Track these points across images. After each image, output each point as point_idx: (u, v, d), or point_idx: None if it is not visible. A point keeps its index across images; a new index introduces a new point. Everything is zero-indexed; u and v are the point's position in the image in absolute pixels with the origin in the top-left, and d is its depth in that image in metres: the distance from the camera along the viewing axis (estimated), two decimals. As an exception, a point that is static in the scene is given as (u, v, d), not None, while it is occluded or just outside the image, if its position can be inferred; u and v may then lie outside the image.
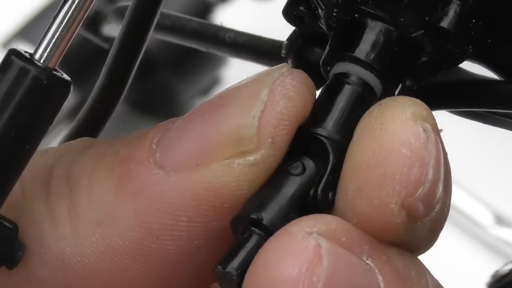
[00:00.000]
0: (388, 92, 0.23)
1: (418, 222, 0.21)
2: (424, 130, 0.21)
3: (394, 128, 0.21)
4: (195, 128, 0.22)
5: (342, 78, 0.23)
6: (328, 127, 0.23)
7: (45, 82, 0.21)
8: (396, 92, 0.24)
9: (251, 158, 0.22)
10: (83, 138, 0.26)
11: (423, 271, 0.22)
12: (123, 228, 0.23)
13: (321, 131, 0.22)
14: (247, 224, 0.22)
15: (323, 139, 0.22)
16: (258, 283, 0.20)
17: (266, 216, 0.21)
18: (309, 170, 0.22)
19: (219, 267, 0.21)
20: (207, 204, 0.22)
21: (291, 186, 0.22)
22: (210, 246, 0.23)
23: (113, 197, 0.23)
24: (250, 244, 0.21)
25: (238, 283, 0.21)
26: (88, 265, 0.23)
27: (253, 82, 0.23)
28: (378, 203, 0.21)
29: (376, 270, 0.21)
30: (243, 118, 0.22)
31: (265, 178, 0.22)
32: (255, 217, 0.21)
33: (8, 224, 0.22)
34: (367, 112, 0.22)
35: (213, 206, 0.22)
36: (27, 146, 0.22)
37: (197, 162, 0.22)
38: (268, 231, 0.21)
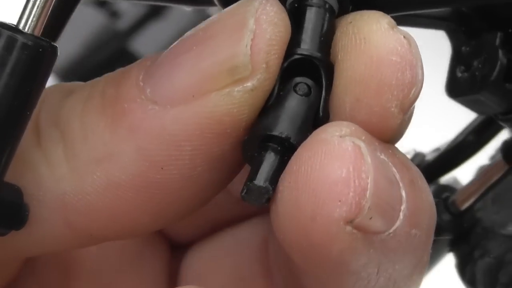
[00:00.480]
0: (343, 11, 0.25)
1: (406, 118, 0.24)
2: (404, 36, 0.23)
3: (378, 40, 0.23)
4: (186, 62, 0.23)
5: (304, 2, 0.24)
6: (311, 48, 0.24)
7: (34, 48, 0.22)
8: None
9: (248, 84, 0.23)
10: (58, 83, 0.26)
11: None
12: (126, 163, 0.23)
13: (306, 51, 0.24)
14: (265, 141, 0.23)
15: (314, 60, 0.24)
16: (307, 190, 0.22)
17: (288, 132, 0.23)
18: (314, 90, 0.24)
19: (249, 183, 0.22)
20: (210, 131, 0.23)
21: (302, 106, 0.23)
22: (211, 170, 0.24)
23: (110, 136, 0.24)
24: (274, 159, 0.23)
25: (269, 197, 0.23)
26: (90, 202, 0.24)
27: (235, 13, 0.23)
28: (379, 109, 0.23)
29: (390, 163, 0.23)
30: (235, 48, 0.23)
31: (263, 101, 0.23)
32: (277, 134, 0.23)
33: (13, 190, 0.23)
34: (341, 32, 0.24)
35: (216, 133, 0.23)
36: (25, 111, 0.22)
37: (193, 93, 0.23)
38: (291, 146, 0.23)
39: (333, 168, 0.22)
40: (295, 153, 0.22)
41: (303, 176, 0.22)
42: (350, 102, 0.23)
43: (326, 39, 0.24)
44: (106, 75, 0.25)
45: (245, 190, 0.22)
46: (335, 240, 0.22)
